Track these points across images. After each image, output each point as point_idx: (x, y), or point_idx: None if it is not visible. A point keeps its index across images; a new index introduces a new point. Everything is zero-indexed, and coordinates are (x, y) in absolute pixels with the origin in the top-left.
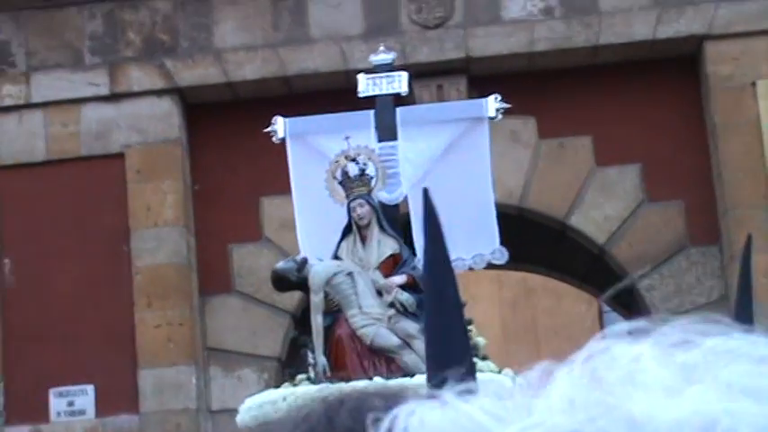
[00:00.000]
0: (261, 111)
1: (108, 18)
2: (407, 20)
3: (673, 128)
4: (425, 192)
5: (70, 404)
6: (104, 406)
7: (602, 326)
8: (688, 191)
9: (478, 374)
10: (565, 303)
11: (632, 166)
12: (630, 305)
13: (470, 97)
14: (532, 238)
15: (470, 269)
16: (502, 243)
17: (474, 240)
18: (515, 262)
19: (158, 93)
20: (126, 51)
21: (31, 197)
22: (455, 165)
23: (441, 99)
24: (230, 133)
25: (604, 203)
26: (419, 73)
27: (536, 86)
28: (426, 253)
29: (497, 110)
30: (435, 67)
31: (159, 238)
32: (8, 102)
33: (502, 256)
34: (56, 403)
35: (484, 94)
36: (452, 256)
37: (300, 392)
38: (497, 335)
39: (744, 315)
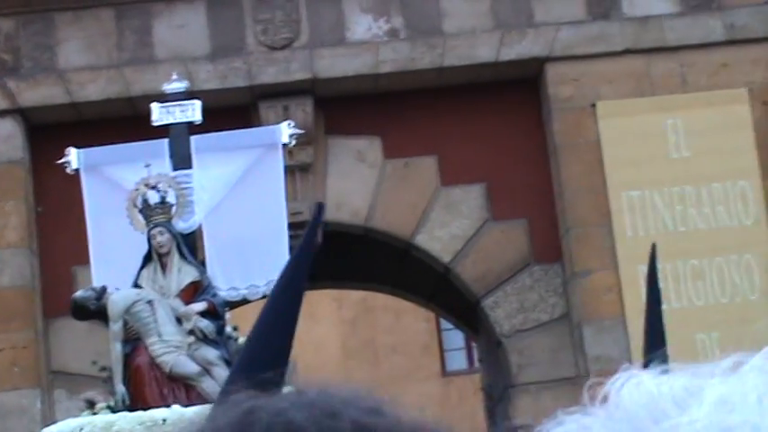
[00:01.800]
0: (105, 131)
1: None
2: (254, 40)
3: (516, 148)
4: (318, 206)
5: None
6: None
7: (440, 343)
8: (531, 210)
9: None
10: (404, 321)
11: (476, 186)
12: (474, 323)
13: (316, 118)
14: (378, 258)
15: (245, 300)
16: (330, 258)
17: (268, 267)
18: (359, 281)
19: (1, 113)
20: None
21: None
22: (249, 191)
23: (287, 119)
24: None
25: (449, 222)
26: (265, 94)
27: (381, 107)
28: (284, 275)
29: (291, 136)
30: (281, 88)
31: (2, 260)
32: None
33: None
34: None
35: (330, 114)
36: (245, 283)
37: (98, 421)
38: (337, 353)
39: (654, 335)
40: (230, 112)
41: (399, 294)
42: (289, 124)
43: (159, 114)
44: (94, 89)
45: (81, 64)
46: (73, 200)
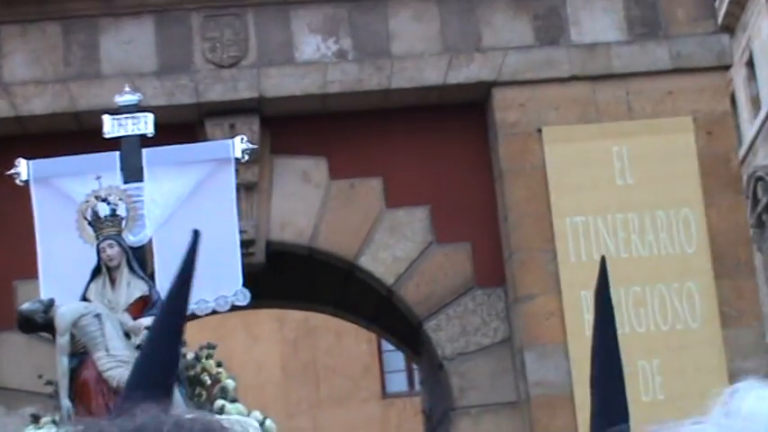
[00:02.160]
0: (50, 146)
1: None
2: (201, 58)
3: (461, 171)
4: (195, 234)
5: None
6: None
7: (381, 365)
8: (475, 233)
9: (226, 417)
10: (345, 342)
11: (421, 208)
12: (416, 345)
13: (263, 137)
14: (321, 278)
15: (214, 311)
16: (273, 277)
17: (218, 282)
18: (302, 301)
19: None
20: None
21: None
22: (201, 206)
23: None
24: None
25: (394, 245)
26: (212, 111)
27: (328, 127)
28: (171, 291)
29: (244, 151)
30: (228, 106)
31: None
32: None
33: (244, 297)
34: None
35: (276, 133)
36: (195, 298)
37: None
38: (278, 373)
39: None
40: (177, 128)
41: (342, 315)
42: (242, 139)
43: (111, 126)
44: (40, 103)
45: (26, 77)
46: (14, 214)
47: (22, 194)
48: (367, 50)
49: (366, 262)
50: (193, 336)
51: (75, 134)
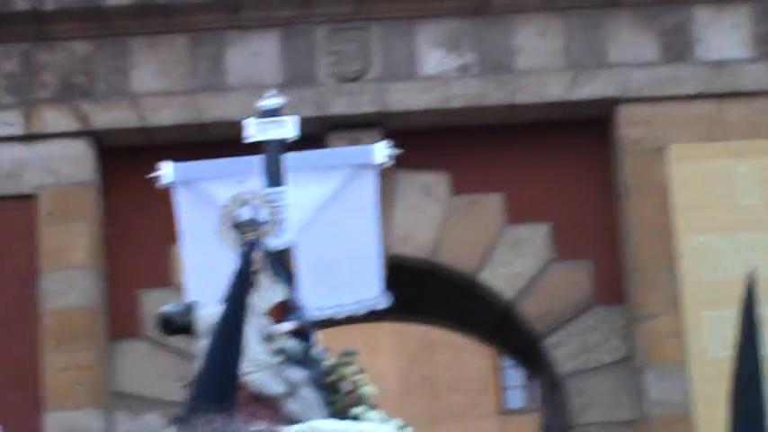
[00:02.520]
0: (176, 156)
1: (24, 58)
2: (325, 71)
3: (583, 188)
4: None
5: None
6: None
7: (499, 381)
8: (596, 251)
9: (365, 424)
10: (464, 357)
11: (542, 225)
12: (535, 361)
13: None
14: (441, 293)
15: (373, 313)
16: (409, 296)
17: (358, 286)
18: (421, 315)
19: (73, 135)
20: (41, 92)
21: None
22: (341, 210)
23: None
24: (144, 177)
25: (513, 260)
26: (335, 125)
27: (450, 142)
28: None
29: (386, 156)
30: (351, 120)
31: (69, 280)
32: None
33: (384, 301)
34: None
35: (399, 147)
36: (334, 301)
37: None
38: (396, 387)
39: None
40: (300, 141)
41: (461, 330)
42: (385, 144)
43: (254, 130)
44: (167, 114)
45: (154, 88)
46: (143, 223)
47: (146, 205)
48: (491, 65)
49: (486, 277)
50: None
51: (201, 145)
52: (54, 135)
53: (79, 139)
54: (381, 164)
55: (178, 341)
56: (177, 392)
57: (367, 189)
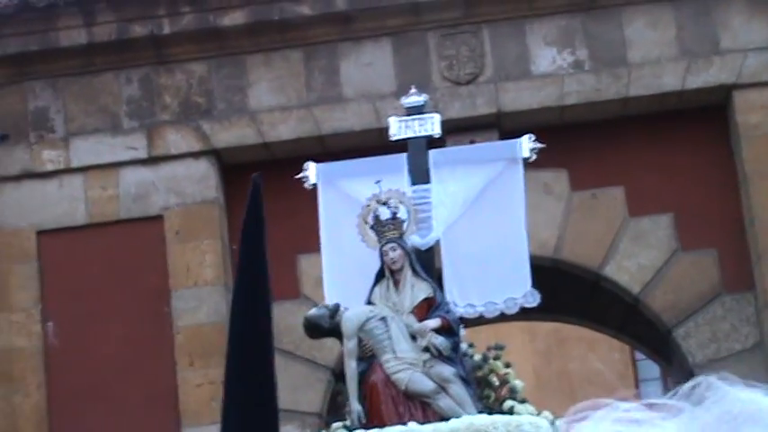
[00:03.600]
0: (296, 169)
1: (144, 82)
2: (439, 76)
3: (704, 177)
4: (255, 179)
5: None
6: None
7: (635, 373)
8: (721, 239)
9: (517, 417)
10: (598, 352)
11: (665, 216)
12: (666, 353)
13: None
14: (566, 289)
15: (502, 314)
16: (536, 291)
17: (506, 284)
18: (549, 312)
19: (195, 155)
20: (162, 114)
21: (72, 260)
22: (489, 207)
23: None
24: (266, 192)
25: (638, 253)
26: (451, 128)
27: (567, 139)
28: (244, 245)
29: (532, 150)
30: (467, 123)
31: (199, 297)
32: (49, 167)
33: (534, 299)
34: None
35: None
36: (483, 300)
37: None
38: (530, 385)
39: None
40: None
41: (589, 326)
42: (530, 138)
43: (398, 129)
44: (285, 129)
45: (272, 104)
46: (268, 237)
47: (270, 219)
48: (603, 60)
49: (611, 271)
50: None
51: (320, 156)
52: (177, 156)
53: (201, 159)
54: (528, 158)
55: (310, 350)
56: (311, 403)
57: (514, 184)
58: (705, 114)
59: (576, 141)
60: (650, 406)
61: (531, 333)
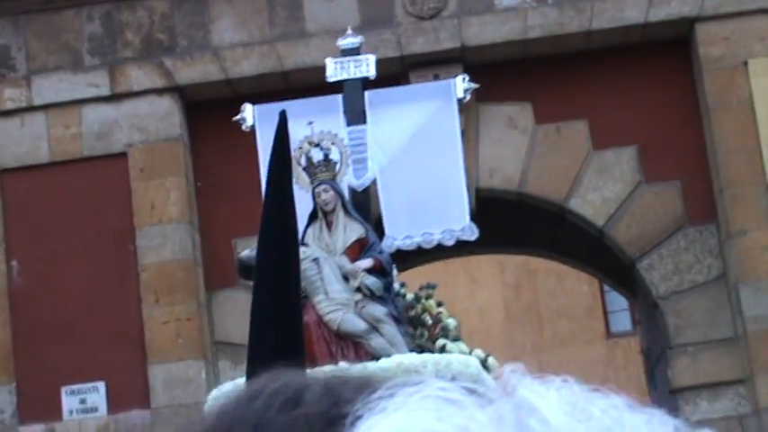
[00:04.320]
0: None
1: (106, 19)
2: (402, 11)
3: (667, 109)
4: (281, 114)
5: (82, 402)
6: (116, 402)
7: (604, 305)
8: (684, 171)
9: (447, 356)
10: (567, 284)
11: (628, 149)
12: (631, 285)
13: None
14: (532, 223)
15: (439, 244)
16: (486, 223)
17: (444, 217)
18: (516, 245)
19: (158, 91)
20: (125, 52)
21: (36, 199)
22: (425, 146)
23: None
24: (231, 129)
25: (602, 186)
26: (415, 63)
27: (531, 73)
28: (270, 178)
29: (466, 90)
30: (431, 57)
31: (164, 235)
32: (10, 105)
33: (472, 232)
34: (68, 401)
35: (480, 82)
36: (421, 230)
37: None
38: (501, 317)
39: None
40: (382, 82)
41: (556, 258)
42: (463, 79)
43: (334, 70)
44: (248, 65)
45: (234, 41)
46: (231, 174)
47: (233, 155)
48: None
49: (576, 204)
50: (415, 280)
51: (283, 92)
52: (139, 93)
53: (164, 96)
54: (462, 98)
55: None
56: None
57: (450, 123)
58: (668, 47)
59: (540, 75)
60: (469, 390)
61: (500, 265)
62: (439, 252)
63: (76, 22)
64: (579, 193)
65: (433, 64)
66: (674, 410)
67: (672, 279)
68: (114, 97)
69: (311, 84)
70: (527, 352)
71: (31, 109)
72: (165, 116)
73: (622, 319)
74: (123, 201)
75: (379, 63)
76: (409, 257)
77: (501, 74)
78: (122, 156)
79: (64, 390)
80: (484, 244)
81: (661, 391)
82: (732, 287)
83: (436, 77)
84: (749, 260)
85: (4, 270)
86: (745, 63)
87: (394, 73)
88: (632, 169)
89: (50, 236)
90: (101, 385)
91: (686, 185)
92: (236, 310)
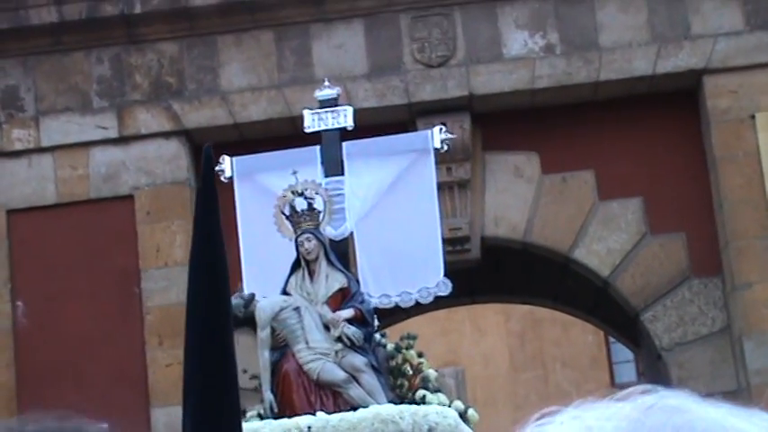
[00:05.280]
0: (267, 150)
1: (115, 62)
2: (410, 58)
3: (673, 161)
4: (206, 151)
5: None
6: None
7: (609, 355)
8: (689, 223)
9: (425, 407)
10: (572, 334)
11: (634, 200)
12: (635, 336)
13: (474, 134)
14: (537, 272)
15: (417, 303)
16: (490, 272)
17: (419, 274)
18: (520, 295)
19: (166, 135)
20: (133, 94)
21: (42, 240)
22: (401, 198)
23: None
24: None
25: (607, 237)
26: (423, 111)
27: (538, 122)
28: (198, 224)
29: (443, 141)
30: (439, 105)
31: (169, 277)
32: (18, 146)
33: (446, 288)
34: None
35: (487, 130)
36: (399, 290)
37: (247, 428)
38: (505, 365)
39: None
40: (389, 129)
41: (561, 308)
42: (440, 129)
43: (311, 121)
44: (256, 109)
45: (243, 85)
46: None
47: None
48: (574, 44)
49: (581, 255)
50: (421, 329)
51: (291, 138)
52: (147, 136)
53: (172, 139)
54: (439, 149)
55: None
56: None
57: (426, 175)
58: (675, 99)
59: (547, 124)
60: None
61: (506, 314)
62: (431, 304)
63: (85, 64)
64: (584, 244)
65: (441, 112)
66: None
67: (676, 331)
68: (122, 140)
69: None
70: (532, 401)
71: (39, 150)
72: (172, 159)
73: (627, 371)
74: (129, 243)
75: (386, 110)
76: (396, 310)
77: (508, 123)
78: (129, 198)
79: None
80: (488, 293)
81: None
82: (736, 340)
83: (443, 125)
84: (754, 313)
85: (9, 310)
86: (753, 116)
87: (401, 120)
88: (638, 220)
89: (56, 277)
90: (103, 427)
91: (691, 237)
92: (239, 353)
